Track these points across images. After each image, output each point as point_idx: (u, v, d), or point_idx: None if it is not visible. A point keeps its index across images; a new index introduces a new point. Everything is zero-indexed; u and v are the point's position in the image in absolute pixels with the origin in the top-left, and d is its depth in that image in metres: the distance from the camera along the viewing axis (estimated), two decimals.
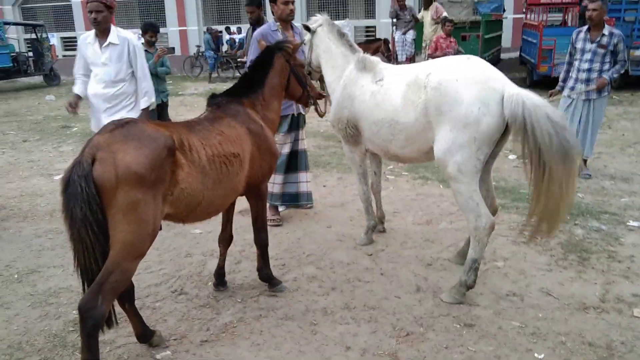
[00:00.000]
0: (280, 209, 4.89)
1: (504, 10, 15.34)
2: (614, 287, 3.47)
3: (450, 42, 8.97)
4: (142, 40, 5.90)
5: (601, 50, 5.42)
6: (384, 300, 3.39)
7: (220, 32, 17.52)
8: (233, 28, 18.58)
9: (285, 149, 4.64)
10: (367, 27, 20.57)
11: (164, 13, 22.13)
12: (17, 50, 17.22)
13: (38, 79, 17.05)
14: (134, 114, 4.08)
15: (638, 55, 10.31)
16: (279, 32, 4.43)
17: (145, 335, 2.91)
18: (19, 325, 3.21)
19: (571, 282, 3.55)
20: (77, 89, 4.21)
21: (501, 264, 3.84)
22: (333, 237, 4.43)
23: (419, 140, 3.39)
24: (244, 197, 3.34)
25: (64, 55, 21.65)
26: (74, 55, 4.43)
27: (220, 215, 3.32)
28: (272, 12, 4.54)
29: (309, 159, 5.10)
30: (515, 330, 3.04)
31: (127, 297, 2.78)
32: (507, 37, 16.84)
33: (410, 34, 11.63)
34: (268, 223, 3.85)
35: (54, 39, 20.98)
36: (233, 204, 3.42)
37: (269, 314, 3.28)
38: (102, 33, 4.01)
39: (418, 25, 11.60)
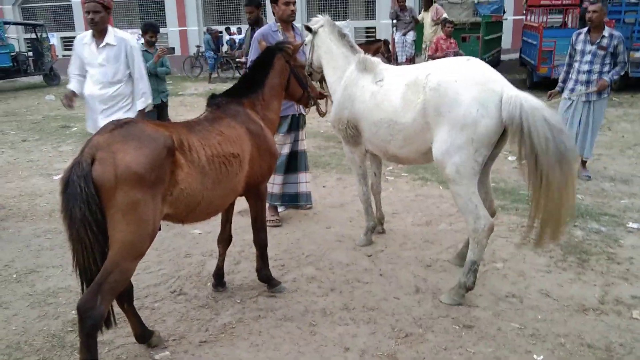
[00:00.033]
0: (280, 209, 4.89)
1: (504, 12, 15.34)
2: (613, 288, 3.47)
3: (451, 43, 8.98)
4: (142, 40, 5.90)
5: (601, 52, 5.42)
6: (383, 301, 3.39)
7: (220, 32, 17.53)
8: (233, 28, 18.60)
9: (285, 150, 4.64)
10: (368, 28, 20.59)
11: (164, 13, 22.13)
12: (17, 50, 17.25)
13: (38, 78, 17.05)
14: (131, 116, 4.04)
15: (638, 57, 10.31)
16: (279, 32, 4.42)
17: (144, 335, 2.91)
18: (17, 325, 3.21)
19: (570, 284, 3.55)
20: (72, 86, 4.15)
21: (500, 266, 3.84)
22: (332, 238, 4.43)
23: (417, 140, 3.39)
24: (243, 197, 3.34)
25: (63, 55, 21.58)
26: None
27: (219, 215, 3.32)
28: (273, 13, 4.54)
29: (309, 160, 5.10)
30: (515, 331, 3.03)
31: (126, 297, 2.78)
32: (507, 38, 16.83)
33: (411, 35, 11.63)
34: (267, 223, 3.85)
35: (54, 38, 21.02)
36: (232, 205, 3.41)
37: (268, 314, 3.27)
38: (99, 33, 3.99)
39: (418, 27, 11.60)
